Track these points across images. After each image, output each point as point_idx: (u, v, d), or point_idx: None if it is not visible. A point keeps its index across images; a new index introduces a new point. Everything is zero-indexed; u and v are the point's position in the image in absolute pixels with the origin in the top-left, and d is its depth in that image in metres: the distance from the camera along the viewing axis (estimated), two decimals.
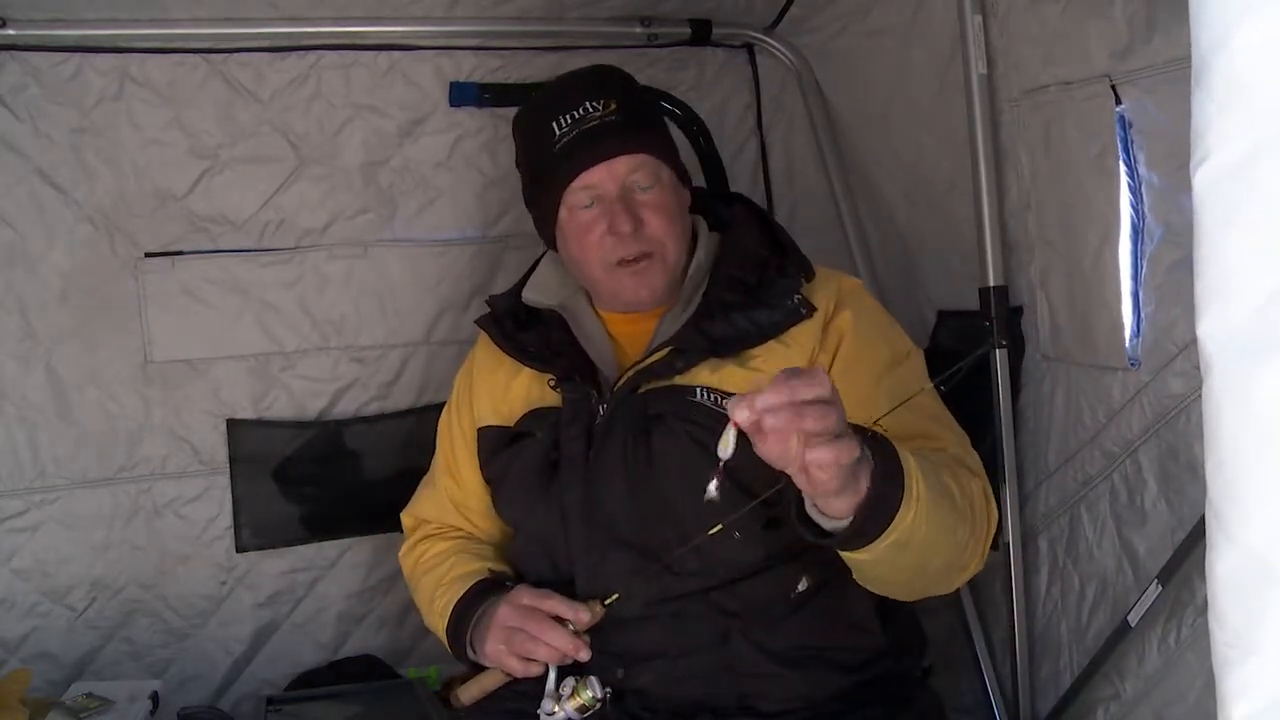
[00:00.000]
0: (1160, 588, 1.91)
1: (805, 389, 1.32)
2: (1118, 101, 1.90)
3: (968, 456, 1.83)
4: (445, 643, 2.03)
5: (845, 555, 1.58)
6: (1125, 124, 1.90)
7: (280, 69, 2.65)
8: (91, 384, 2.59)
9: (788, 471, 1.39)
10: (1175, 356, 1.87)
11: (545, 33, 2.75)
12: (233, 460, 2.68)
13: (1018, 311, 2.26)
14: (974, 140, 2.23)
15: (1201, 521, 1.78)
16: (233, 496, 2.68)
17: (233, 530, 2.69)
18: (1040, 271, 2.19)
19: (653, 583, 1.83)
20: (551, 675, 1.85)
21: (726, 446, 1.38)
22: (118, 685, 2.42)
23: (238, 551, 2.70)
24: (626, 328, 2.06)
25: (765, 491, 1.56)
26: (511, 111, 2.16)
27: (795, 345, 1.90)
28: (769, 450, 1.37)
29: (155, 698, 2.38)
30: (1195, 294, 0.85)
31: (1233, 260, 0.82)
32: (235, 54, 2.61)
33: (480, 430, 2.14)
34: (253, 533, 2.70)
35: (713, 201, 2.19)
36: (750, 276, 1.96)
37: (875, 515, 1.46)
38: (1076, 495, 2.15)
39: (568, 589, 1.91)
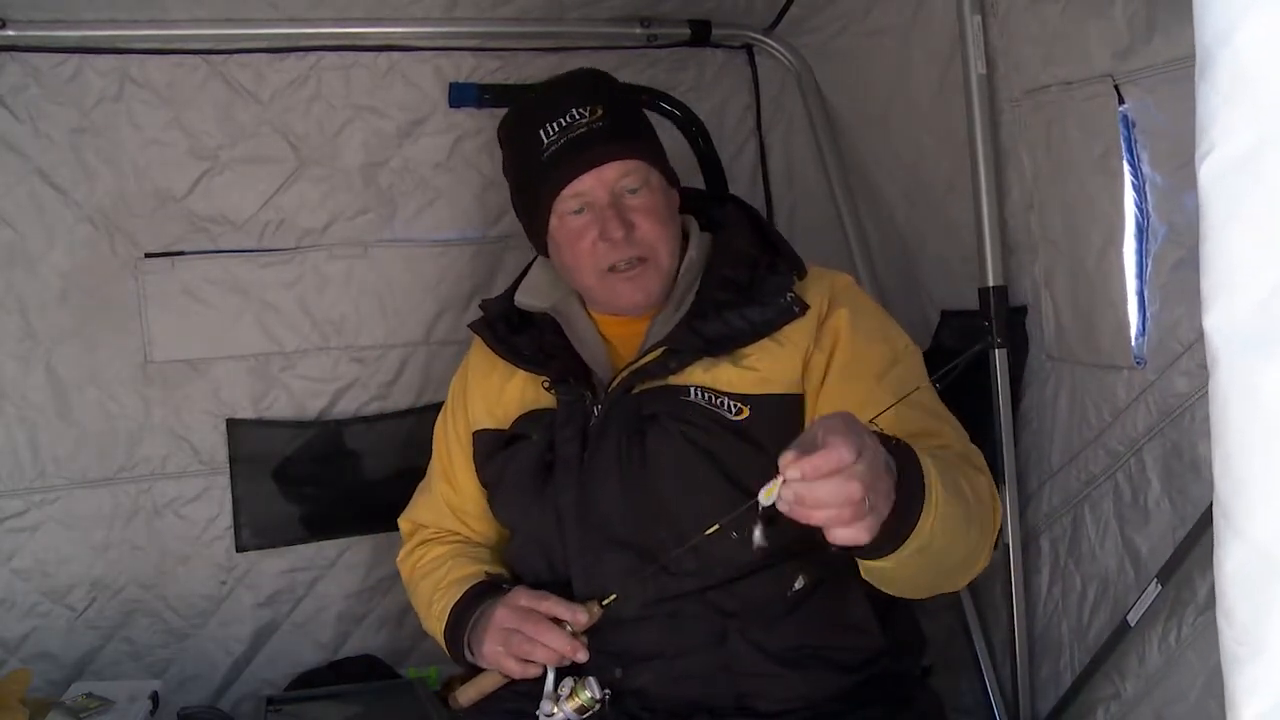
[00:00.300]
0: (1160, 587, 1.92)
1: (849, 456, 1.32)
2: (1120, 101, 1.91)
3: (971, 452, 1.83)
4: (444, 646, 2.03)
5: (862, 561, 1.58)
6: (1128, 124, 1.91)
7: (280, 70, 2.64)
8: (91, 384, 2.59)
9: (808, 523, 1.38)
10: (1180, 355, 1.88)
11: (545, 33, 2.75)
12: (233, 460, 2.68)
13: (1021, 311, 2.27)
14: (973, 140, 2.24)
15: (1202, 519, 1.80)
16: (233, 496, 2.68)
17: (233, 530, 2.69)
18: (1044, 271, 2.19)
19: (649, 583, 1.83)
20: (550, 676, 1.84)
21: (770, 496, 1.37)
22: (118, 685, 2.42)
23: (238, 551, 2.69)
24: (619, 329, 2.06)
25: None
26: None
27: (789, 343, 1.90)
28: (799, 512, 1.36)
29: (155, 698, 2.38)
30: (1201, 288, 0.84)
31: (1239, 254, 0.81)
32: (235, 55, 2.61)
33: (475, 434, 2.14)
34: (253, 532, 2.70)
35: (704, 202, 2.19)
36: (742, 275, 1.96)
37: (897, 529, 1.46)
38: (1079, 495, 2.16)
39: (565, 590, 1.91)
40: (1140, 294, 1.95)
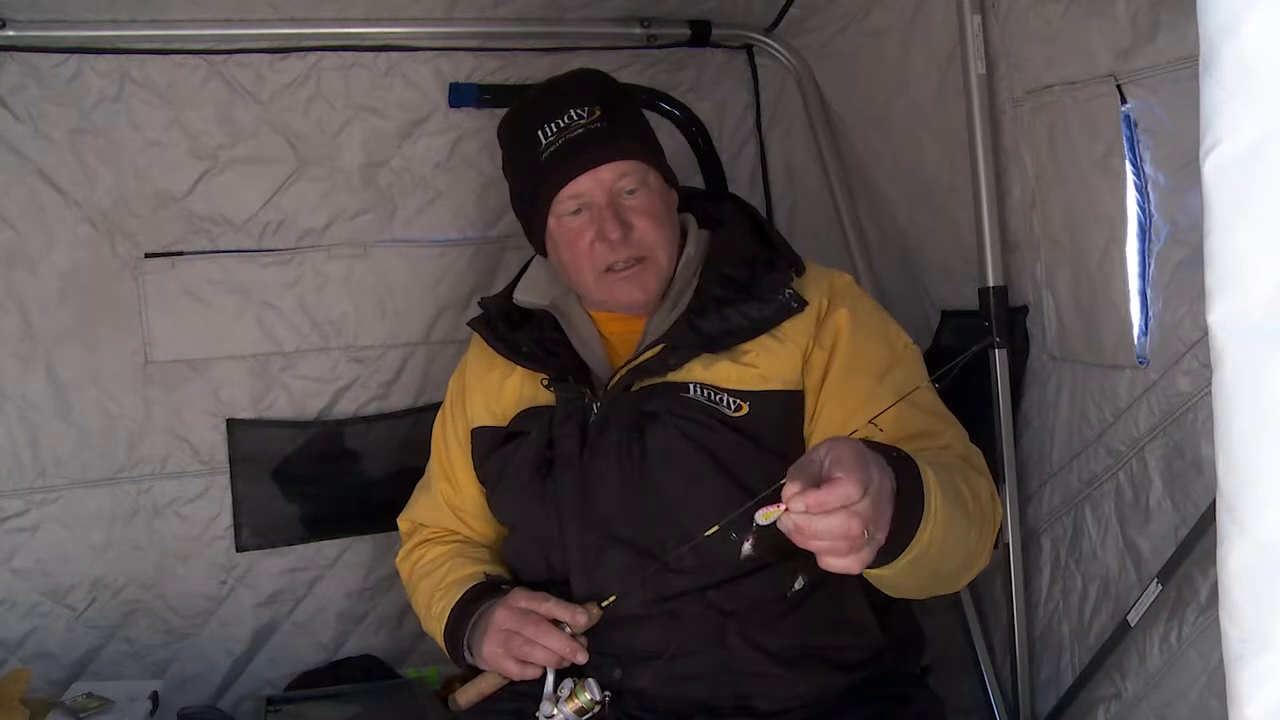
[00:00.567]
0: (1160, 586, 1.92)
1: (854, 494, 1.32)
2: (1123, 101, 1.91)
3: (972, 454, 1.83)
4: (443, 647, 2.03)
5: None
6: (1131, 124, 1.90)
7: (280, 70, 2.65)
8: (91, 384, 2.59)
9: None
10: (1183, 355, 1.88)
11: (544, 34, 2.76)
12: (233, 460, 2.68)
13: (1022, 311, 2.27)
14: (973, 140, 2.24)
15: (1203, 519, 1.79)
16: (233, 496, 2.68)
17: (233, 530, 2.69)
18: (1046, 271, 2.19)
19: (649, 581, 1.83)
20: (549, 678, 1.84)
21: (768, 519, 1.36)
22: (118, 685, 2.42)
23: (238, 551, 2.69)
24: (618, 326, 2.06)
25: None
26: None
27: (788, 340, 1.90)
28: (796, 538, 1.36)
29: (155, 698, 2.38)
30: (1206, 283, 0.84)
31: (1243, 249, 0.81)
32: (235, 55, 2.61)
33: (474, 431, 2.14)
34: (253, 532, 2.70)
35: (702, 199, 2.18)
36: (741, 272, 1.96)
37: (893, 544, 1.45)
38: (1080, 494, 2.16)
39: (564, 588, 1.91)
40: (1143, 293, 1.95)
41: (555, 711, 1.79)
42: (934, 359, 2.04)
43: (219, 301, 2.66)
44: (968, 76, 2.22)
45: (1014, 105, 2.20)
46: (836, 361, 1.88)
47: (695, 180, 2.83)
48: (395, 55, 2.71)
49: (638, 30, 2.78)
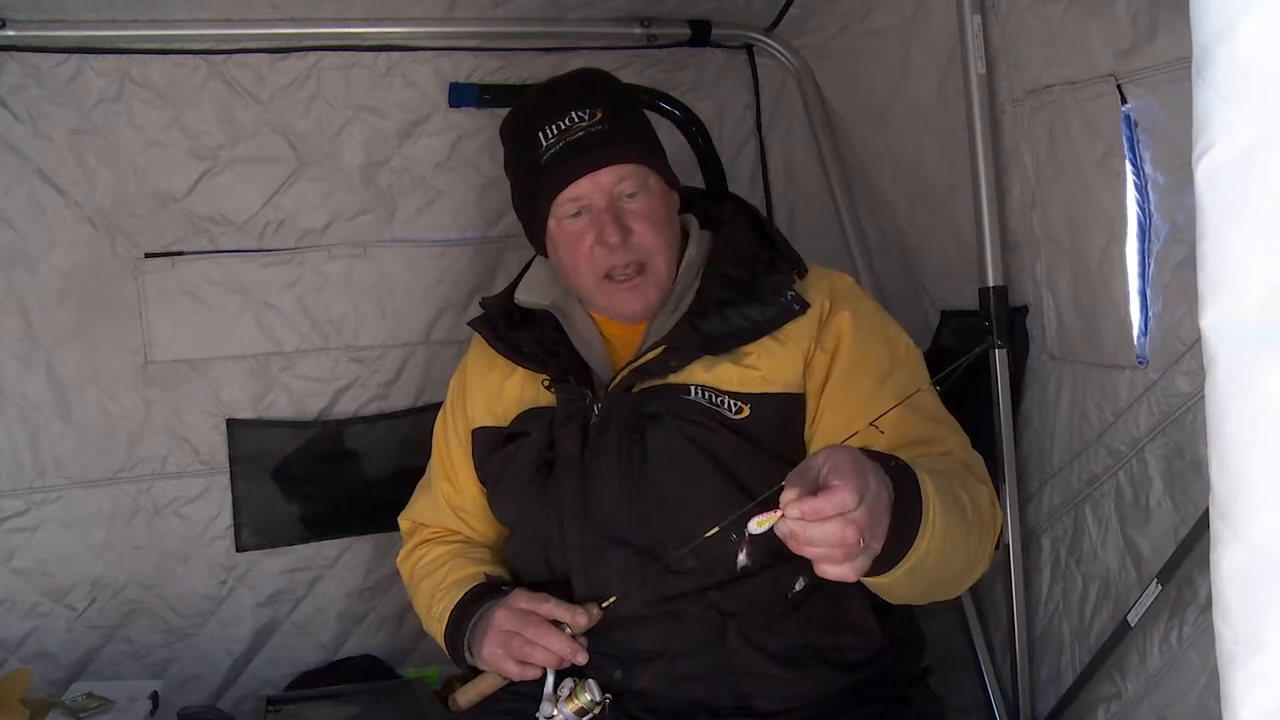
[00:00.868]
0: (1160, 586, 1.91)
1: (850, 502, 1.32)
2: (1123, 101, 1.90)
3: (973, 460, 1.82)
4: (444, 648, 2.03)
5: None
6: (1131, 123, 1.90)
7: (280, 70, 2.65)
8: (91, 384, 2.59)
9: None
10: (1183, 355, 1.87)
11: (544, 34, 2.75)
12: (233, 460, 2.68)
13: (1022, 311, 2.27)
14: (973, 140, 2.24)
15: (1203, 518, 1.79)
16: (233, 496, 2.69)
17: (233, 530, 2.69)
18: (1046, 271, 2.19)
19: (649, 582, 1.82)
20: (549, 679, 1.84)
21: (762, 527, 1.37)
22: (118, 685, 2.42)
23: (238, 551, 2.70)
24: (619, 327, 2.06)
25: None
26: None
27: (789, 342, 1.90)
28: (792, 545, 1.36)
29: (155, 698, 2.38)
30: (1199, 286, 0.84)
31: (1236, 252, 0.81)
32: (235, 55, 2.61)
33: (475, 431, 2.14)
34: (253, 532, 2.70)
35: (703, 199, 2.18)
36: (743, 273, 1.95)
37: (890, 554, 1.45)
38: (1081, 494, 2.15)
39: (564, 588, 1.91)
40: (1143, 293, 1.95)
41: (555, 712, 1.79)
42: (934, 359, 2.03)
43: (219, 301, 2.66)
44: (968, 76, 2.21)
45: (1014, 105, 2.20)
46: (838, 364, 1.88)
47: (695, 180, 2.83)
48: (395, 55, 2.71)
49: (638, 30, 2.78)
